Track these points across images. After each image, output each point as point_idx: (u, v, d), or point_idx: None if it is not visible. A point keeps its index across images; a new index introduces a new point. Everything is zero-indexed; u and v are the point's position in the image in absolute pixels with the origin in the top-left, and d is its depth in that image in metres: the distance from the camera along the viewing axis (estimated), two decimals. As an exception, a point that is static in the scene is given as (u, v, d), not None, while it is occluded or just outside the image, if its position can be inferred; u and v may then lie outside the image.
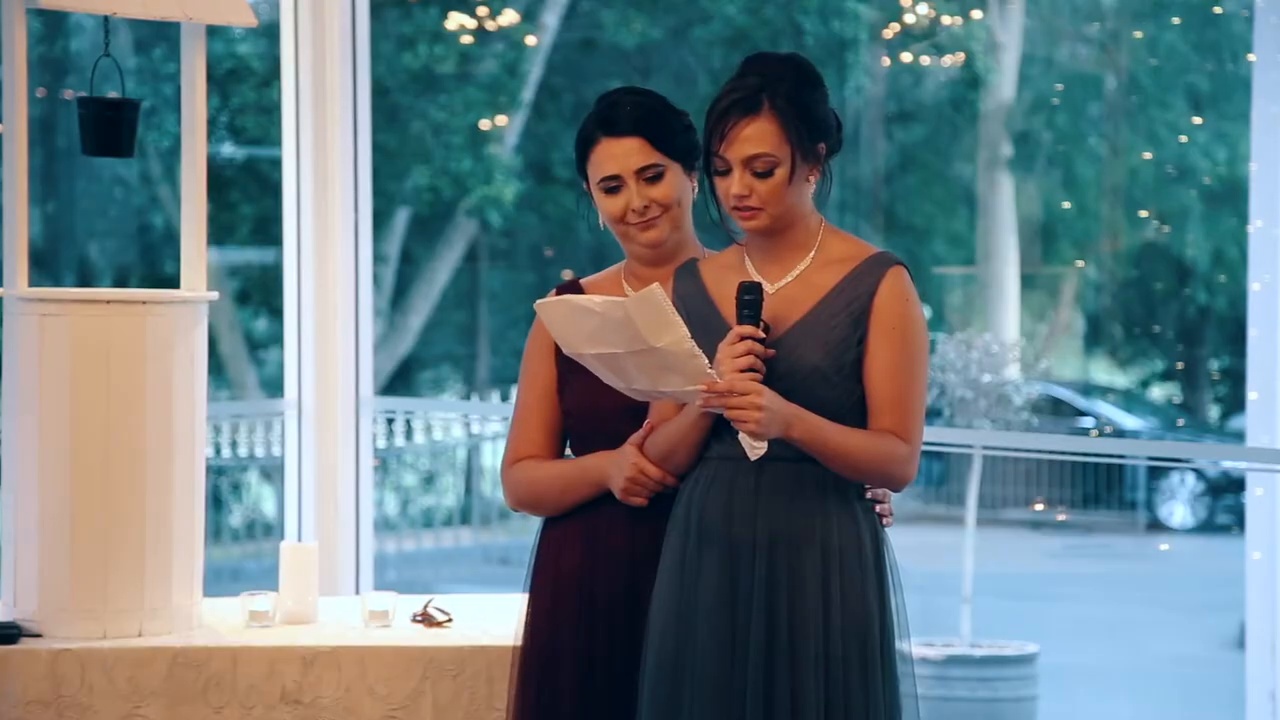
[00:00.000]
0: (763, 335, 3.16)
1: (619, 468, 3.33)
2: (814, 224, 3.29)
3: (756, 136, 3.18)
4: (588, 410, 3.44)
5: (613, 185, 3.41)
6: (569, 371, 3.43)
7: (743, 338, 3.14)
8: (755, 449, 3.13)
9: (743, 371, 3.12)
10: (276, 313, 11.25)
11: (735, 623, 3.17)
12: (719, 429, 3.22)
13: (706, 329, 3.24)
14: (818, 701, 3.14)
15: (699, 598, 3.20)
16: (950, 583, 9.46)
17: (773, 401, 3.10)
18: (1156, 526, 12.65)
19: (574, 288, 3.53)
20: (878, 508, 3.29)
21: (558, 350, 3.43)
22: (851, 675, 3.17)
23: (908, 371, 3.21)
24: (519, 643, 3.50)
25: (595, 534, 3.42)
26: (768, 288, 3.23)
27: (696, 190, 3.44)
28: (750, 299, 3.16)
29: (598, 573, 3.40)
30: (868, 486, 3.27)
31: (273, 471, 11.54)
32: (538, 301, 3.16)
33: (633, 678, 3.31)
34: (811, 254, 3.27)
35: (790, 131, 3.19)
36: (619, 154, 3.40)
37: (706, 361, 3.08)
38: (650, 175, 3.39)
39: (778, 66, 3.22)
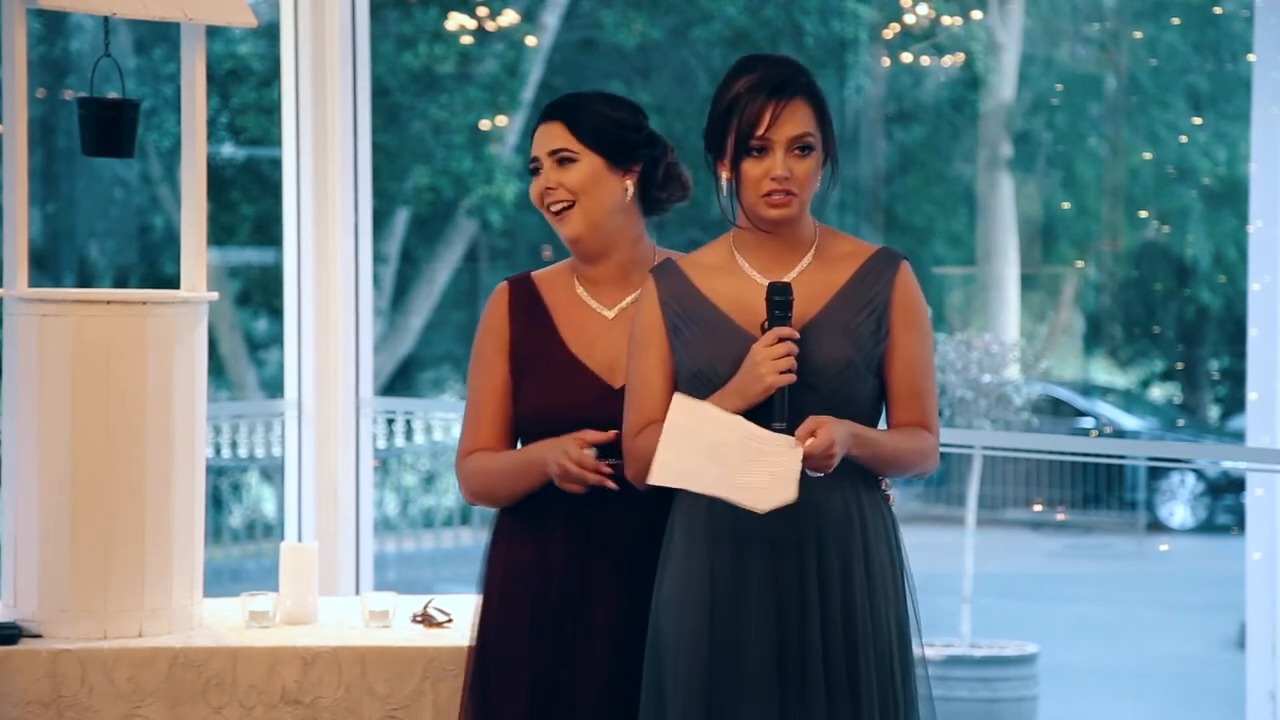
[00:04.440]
0: (798, 335, 3.16)
1: (555, 453, 3.33)
2: (811, 223, 3.31)
3: (799, 118, 3.20)
4: (539, 415, 3.46)
5: (533, 168, 3.48)
6: (520, 375, 3.46)
7: (780, 339, 3.15)
8: (816, 476, 3.14)
9: (782, 373, 3.12)
10: (276, 313, 11.27)
11: (784, 622, 3.16)
12: None
13: (710, 329, 3.23)
14: (869, 694, 3.15)
15: (741, 598, 3.18)
16: (950, 583, 9.46)
17: (838, 432, 3.10)
18: (1156, 527, 12.64)
19: (528, 282, 3.53)
20: (882, 484, 3.32)
21: (511, 350, 3.47)
22: (897, 669, 3.21)
23: (927, 363, 3.28)
24: (472, 643, 3.51)
25: (547, 529, 3.43)
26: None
27: (631, 194, 3.44)
28: (781, 299, 3.17)
29: (550, 569, 3.41)
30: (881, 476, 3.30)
31: (273, 471, 11.54)
32: (678, 397, 3.13)
33: (579, 675, 3.32)
34: (811, 252, 3.28)
35: (822, 116, 3.23)
36: (540, 138, 3.47)
37: (792, 439, 3.09)
38: (561, 158, 3.43)
39: (788, 63, 3.25)
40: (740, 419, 3.10)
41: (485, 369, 3.49)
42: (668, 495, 3.30)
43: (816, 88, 3.24)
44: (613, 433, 3.34)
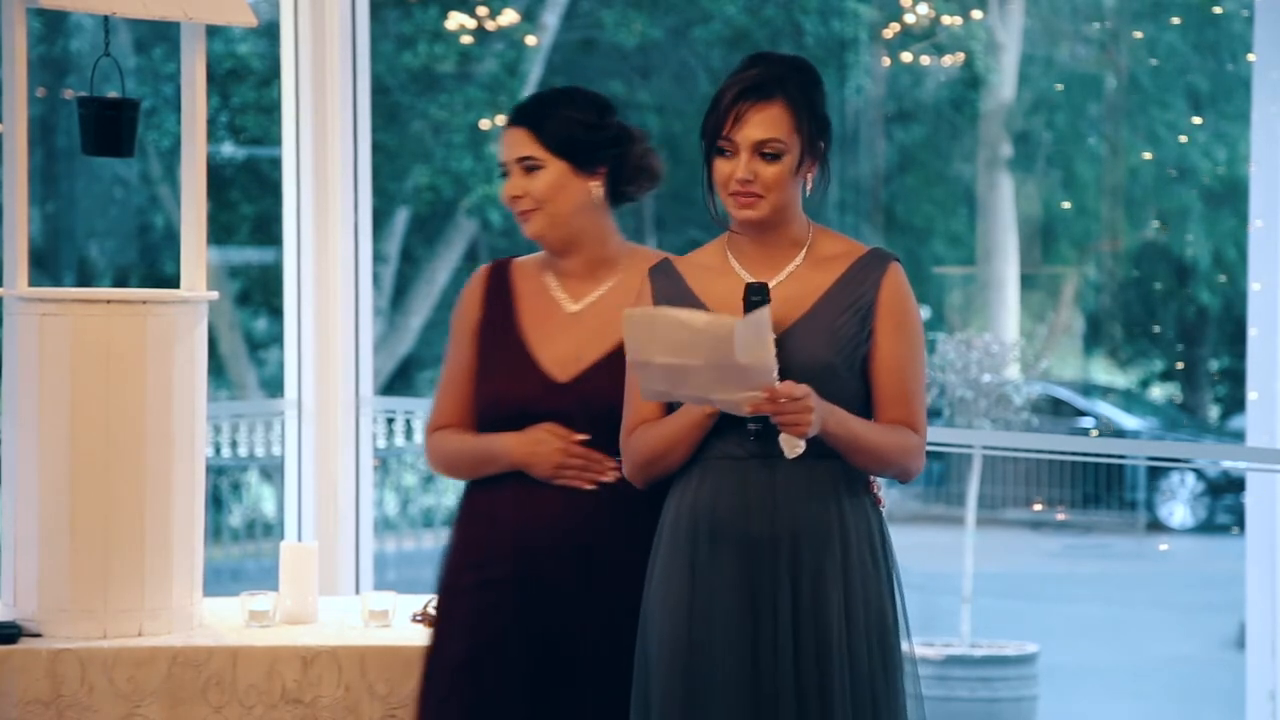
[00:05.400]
0: (772, 336, 3.16)
1: (534, 453, 3.39)
2: (803, 223, 3.30)
3: (769, 121, 3.19)
4: (485, 403, 3.50)
5: (501, 171, 3.51)
6: (480, 359, 3.51)
7: None
8: (796, 448, 3.13)
9: None
10: (276, 313, 11.26)
11: (758, 622, 3.17)
12: (721, 428, 3.21)
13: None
14: (843, 698, 3.14)
15: (716, 598, 3.19)
16: (950, 583, 9.46)
17: (815, 400, 3.11)
18: (1156, 526, 12.65)
19: (505, 268, 3.57)
20: (873, 488, 3.31)
21: (477, 333, 3.51)
22: (875, 671, 3.19)
23: (914, 364, 3.24)
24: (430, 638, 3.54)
25: (493, 515, 3.46)
26: (764, 288, 3.23)
27: (599, 195, 3.46)
28: (758, 300, 3.16)
29: (494, 555, 3.44)
30: (872, 477, 3.28)
31: (273, 471, 11.54)
32: (628, 310, 3.12)
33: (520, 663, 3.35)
34: (803, 253, 3.27)
35: (801, 122, 3.20)
36: (508, 143, 3.49)
37: (776, 372, 3.08)
38: (527, 166, 3.46)
39: (786, 63, 3.24)
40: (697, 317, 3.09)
41: (454, 348, 3.55)
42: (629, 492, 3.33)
43: (804, 91, 3.21)
44: (578, 435, 3.38)
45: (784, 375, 3.15)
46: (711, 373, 3.06)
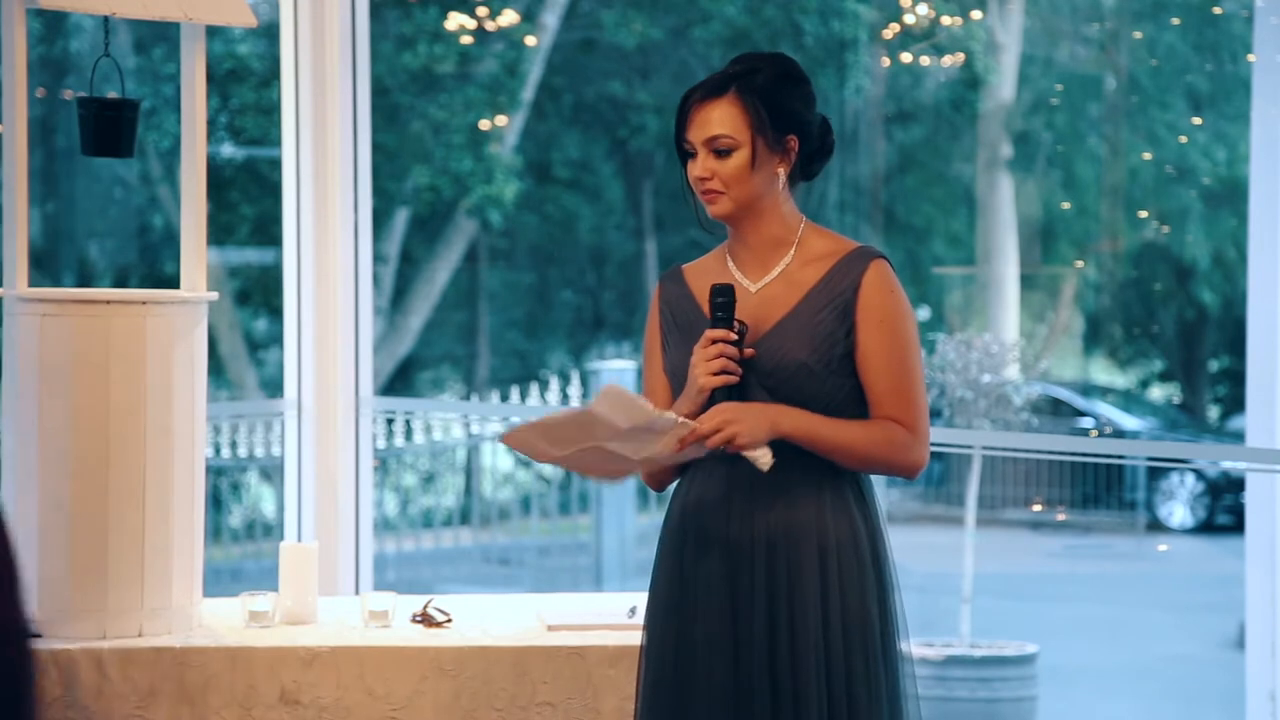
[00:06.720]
0: (734, 337, 3.16)
1: None
2: (793, 222, 3.28)
3: (717, 118, 3.20)
4: None
5: None
6: None
7: (713, 340, 3.15)
8: (761, 461, 3.12)
9: (715, 374, 3.13)
10: (276, 313, 11.27)
11: (737, 623, 3.18)
12: None
13: (693, 331, 3.25)
14: (819, 702, 3.14)
15: (698, 598, 3.20)
16: (950, 583, 9.46)
17: (740, 411, 3.10)
18: (1156, 527, 12.65)
19: None
20: None
21: None
22: (855, 674, 3.17)
23: (901, 361, 3.21)
24: None
25: None
26: (750, 287, 3.24)
27: None
28: (722, 301, 3.17)
29: None
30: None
31: (272, 471, 11.54)
32: (504, 436, 3.15)
33: None
34: (792, 251, 3.27)
35: (752, 116, 3.19)
36: None
37: (674, 415, 3.09)
38: None
39: (757, 60, 3.24)
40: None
41: None
42: None
43: (763, 85, 3.20)
44: None
45: (763, 375, 3.17)
46: (616, 444, 3.10)
